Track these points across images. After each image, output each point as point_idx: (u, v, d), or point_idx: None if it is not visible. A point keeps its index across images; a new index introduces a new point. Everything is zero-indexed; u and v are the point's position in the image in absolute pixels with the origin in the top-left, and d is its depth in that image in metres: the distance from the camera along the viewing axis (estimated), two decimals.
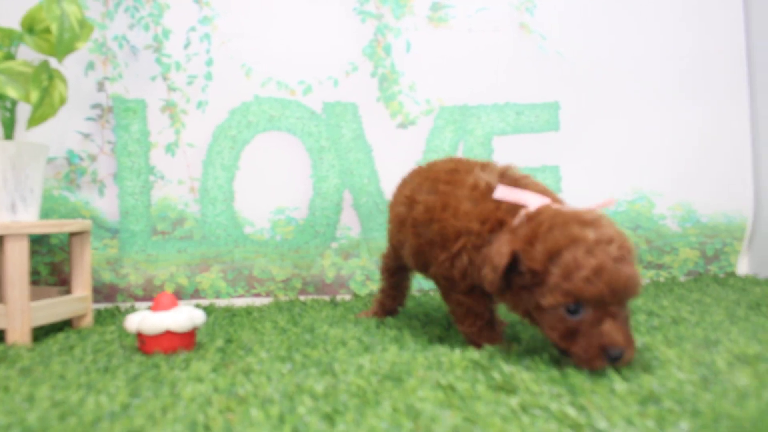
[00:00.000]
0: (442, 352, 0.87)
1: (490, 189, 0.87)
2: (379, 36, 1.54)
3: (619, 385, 0.68)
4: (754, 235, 1.65)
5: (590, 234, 0.72)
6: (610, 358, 0.71)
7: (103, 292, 1.46)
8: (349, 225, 1.53)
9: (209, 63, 1.50)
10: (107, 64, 1.47)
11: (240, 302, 1.50)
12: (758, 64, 1.64)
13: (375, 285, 1.53)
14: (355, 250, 1.53)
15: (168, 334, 1.00)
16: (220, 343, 1.05)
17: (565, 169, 1.58)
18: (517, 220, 0.82)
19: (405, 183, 1.08)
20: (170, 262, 1.48)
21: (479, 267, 0.84)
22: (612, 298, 0.71)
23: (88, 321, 1.29)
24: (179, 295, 1.48)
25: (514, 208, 0.84)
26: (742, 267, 1.66)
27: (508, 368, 0.75)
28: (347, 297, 1.52)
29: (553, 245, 0.73)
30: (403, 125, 1.54)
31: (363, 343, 1.00)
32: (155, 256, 1.48)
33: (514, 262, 0.77)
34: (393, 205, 1.09)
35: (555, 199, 0.88)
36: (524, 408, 0.64)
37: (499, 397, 0.67)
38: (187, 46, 1.50)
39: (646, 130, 1.61)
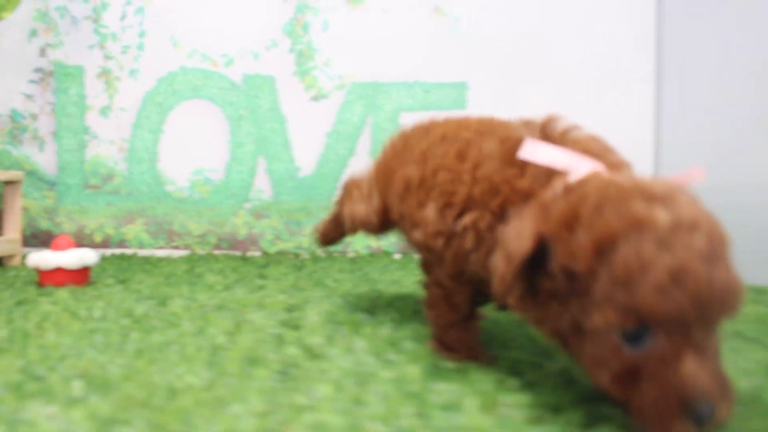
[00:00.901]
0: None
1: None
2: (299, 15, 1.66)
3: None
4: None
5: (663, 216, 0.45)
6: (695, 417, 0.43)
7: (40, 237, 1.65)
8: (262, 188, 1.67)
9: (142, 35, 1.65)
10: (49, 32, 1.63)
11: (160, 253, 1.67)
12: (666, 53, 1.68)
13: (284, 244, 1.67)
14: (266, 211, 1.67)
15: (60, 270, 1.17)
16: (109, 281, 1.23)
17: None
18: (550, 193, 0.54)
19: (412, 139, 0.79)
20: (100, 213, 1.66)
21: (487, 255, 0.58)
22: (699, 318, 0.43)
23: (17, 261, 1.48)
24: (107, 244, 1.66)
25: (549, 174, 0.56)
26: None
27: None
28: (257, 253, 1.67)
29: (603, 232, 0.45)
30: (316, 98, 1.66)
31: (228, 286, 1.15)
32: (87, 208, 1.66)
33: (541, 254, 0.49)
34: (390, 167, 0.80)
35: (617, 165, 0.60)
36: None
37: None
38: (122, 18, 1.65)
39: (553, 109, 1.68)
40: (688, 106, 1.60)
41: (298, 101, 1.66)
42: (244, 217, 1.67)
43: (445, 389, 0.62)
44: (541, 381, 0.64)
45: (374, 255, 1.65)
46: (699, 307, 0.43)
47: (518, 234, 0.50)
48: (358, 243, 1.66)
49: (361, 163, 1.65)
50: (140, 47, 1.65)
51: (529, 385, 0.62)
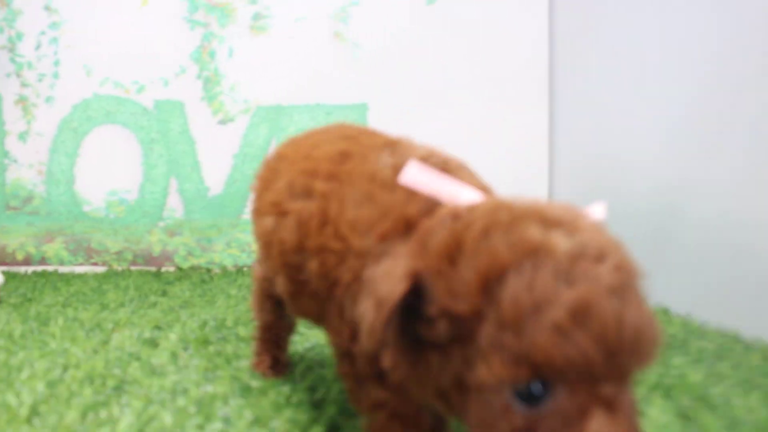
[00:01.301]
0: None
1: (396, 174, 0.49)
2: (206, 42, 1.76)
3: None
4: None
5: (563, 243, 0.36)
6: None
7: None
8: (174, 207, 1.77)
9: (56, 63, 1.74)
10: None
11: (80, 269, 1.77)
12: (558, 72, 1.80)
13: (195, 260, 1.78)
14: (178, 229, 1.78)
15: None
16: (16, 299, 1.33)
17: None
18: (433, 222, 0.44)
19: (270, 174, 0.67)
20: (21, 233, 1.75)
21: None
22: (608, 366, 0.34)
23: None
24: (29, 261, 1.76)
25: (432, 205, 0.46)
26: None
27: None
28: (171, 269, 1.77)
29: (490, 263, 0.37)
30: (223, 122, 1.77)
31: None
32: (8, 228, 1.75)
33: (416, 296, 0.40)
34: (257, 212, 0.68)
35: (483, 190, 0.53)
36: None
37: None
38: (37, 47, 1.74)
39: (449, 131, 1.80)
40: (579, 125, 1.72)
41: (206, 125, 1.76)
42: (158, 234, 1.78)
43: (246, 403, 0.73)
44: None
45: None
46: (607, 352, 0.34)
47: (389, 274, 0.40)
48: None
49: None
50: (55, 75, 1.75)
51: None
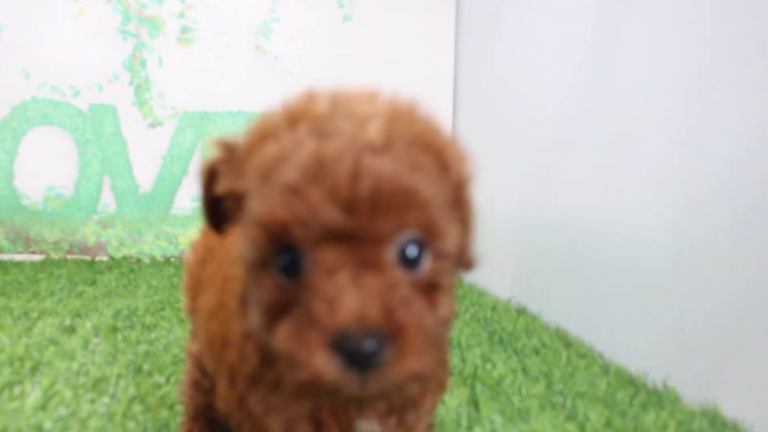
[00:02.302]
0: None
1: None
2: (137, 52, 1.92)
3: None
4: None
5: (324, 106, 0.36)
6: (344, 349, 0.31)
7: None
8: (107, 202, 1.95)
9: None
10: None
11: (20, 257, 1.93)
12: (462, 86, 2.01)
13: (127, 250, 1.96)
14: (111, 222, 1.95)
15: None
16: None
17: None
18: None
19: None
20: None
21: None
22: (350, 224, 0.32)
23: None
24: None
25: None
26: None
27: None
28: (105, 258, 1.95)
29: (257, 134, 0.37)
30: (152, 125, 1.94)
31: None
32: None
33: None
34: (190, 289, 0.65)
35: None
36: None
37: None
38: None
39: None
40: (478, 138, 1.92)
41: (137, 128, 1.93)
42: (93, 226, 1.95)
43: (133, 382, 0.93)
44: None
45: None
46: (342, 207, 0.32)
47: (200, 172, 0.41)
48: None
49: (193, 182, 1.95)
50: None
51: None
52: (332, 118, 0.34)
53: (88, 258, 1.93)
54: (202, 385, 0.68)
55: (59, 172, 1.92)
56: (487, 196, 1.57)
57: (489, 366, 1.02)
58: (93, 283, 1.63)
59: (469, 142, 1.40)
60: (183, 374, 0.74)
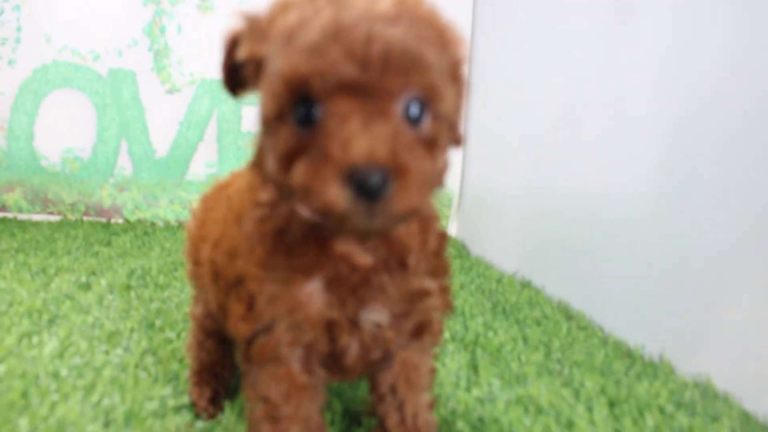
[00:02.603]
0: None
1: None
2: (157, 18, 1.94)
3: None
4: (460, 205, 2.08)
5: None
6: (355, 181, 0.36)
7: None
8: (124, 166, 1.98)
9: (19, 29, 1.92)
10: None
11: (38, 217, 1.98)
12: (476, 70, 2.01)
13: (142, 213, 1.99)
14: (128, 185, 1.99)
15: None
16: None
17: None
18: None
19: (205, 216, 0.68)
20: None
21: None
22: (363, 79, 0.37)
23: None
24: None
25: None
26: (452, 230, 2.09)
27: None
28: (120, 221, 1.99)
29: (280, 3, 0.42)
30: (170, 92, 1.97)
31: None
32: None
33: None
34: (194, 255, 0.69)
35: None
36: None
37: None
38: (1, 13, 1.91)
39: None
40: (490, 121, 1.93)
41: (155, 94, 1.96)
42: (109, 189, 1.99)
43: (145, 336, 0.97)
44: None
45: None
46: (357, 64, 0.36)
47: (224, 41, 0.47)
48: None
49: (208, 148, 1.98)
50: (17, 40, 1.92)
51: None
52: None
53: (103, 220, 1.97)
54: (206, 345, 0.75)
55: (78, 135, 1.96)
56: (499, 177, 1.59)
57: (491, 334, 1.04)
58: (108, 243, 1.67)
59: (479, 115, 1.42)
60: (189, 335, 0.79)
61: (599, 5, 1.25)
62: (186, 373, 0.83)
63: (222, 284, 0.55)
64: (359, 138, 0.36)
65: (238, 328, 0.51)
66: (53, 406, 0.72)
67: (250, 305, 0.49)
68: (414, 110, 0.39)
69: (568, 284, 1.31)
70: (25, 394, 0.74)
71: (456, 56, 0.43)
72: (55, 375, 0.81)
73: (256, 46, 0.42)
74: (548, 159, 1.45)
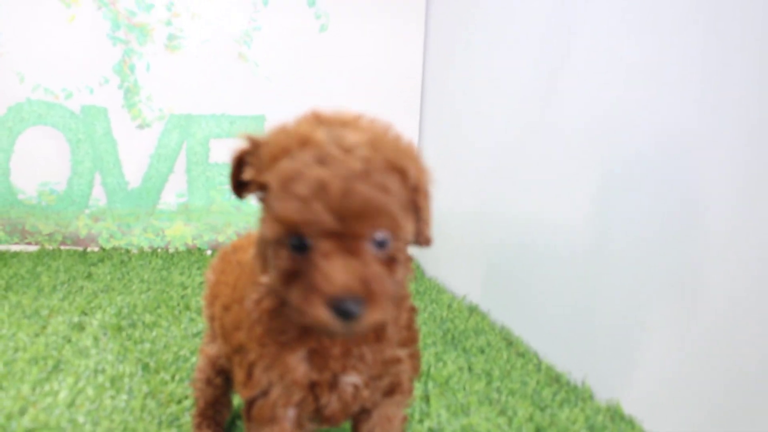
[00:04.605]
0: None
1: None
2: (126, 57, 2.06)
3: None
4: None
5: (323, 136, 0.51)
6: (335, 308, 0.49)
7: None
8: (98, 197, 2.10)
9: None
10: None
11: (15, 248, 2.08)
12: (428, 95, 2.18)
13: (117, 241, 2.12)
14: (102, 215, 2.11)
15: None
16: None
17: None
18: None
19: (225, 268, 0.80)
20: None
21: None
22: (343, 227, 0.49)
23: None
24: None
25: None
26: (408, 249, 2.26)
27: None
28: (96, 249, 2.11)
29: (277, 146, 0.52)
30: (141, 127, 2.09)
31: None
32: None
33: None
34: (210, 300, 0.82)
35: None
36: None
37: None
38: None
39: None
40: (443, 143, 2.10)
41: (126, 128, 2.08)
42: (85, 219, 2.11)
43: (144, 379, 1.12)
44: None
45: (190, 251, 2.12)
46: (338, 217, 0.48)
47: (233, 151, 0.57)
48: (177, 241, 2.14)
49: (178, 179, 2.11)
50: None
51: None
52: (329, 147, 0.50)
53: (80, 249, 2.09)
54: (214, 382, 0.86)
55: (53, 169, 2.07)
56: (449, 199, 1.75)
57: (440, 365, 1.22)
58: (89, 276, 1.80)
59: (432, 144, 1.58)
60: (196, 371, 0.90)
61: (543, 42, 1.41)
62: (186, 416, 0.99)
63: (227, 344, 0.70)
64: (339, 274, 0.49)
65: (240, 392, 0.64)
66: None
67: (250, 373, 0.62)
68: (380, 239, 0.51)
69: (509, 310, 1.49)
70: None
71: (417, 188, 0.55)
72: (74, 423, 0.96)
73: (258, 174, 0.54)
74: (495, 186, 1.59)
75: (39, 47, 2.02)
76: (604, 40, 1.17)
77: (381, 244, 0.52)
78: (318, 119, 0.54)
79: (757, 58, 0.84)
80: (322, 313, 0.49)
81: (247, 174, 0.55)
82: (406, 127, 2.06)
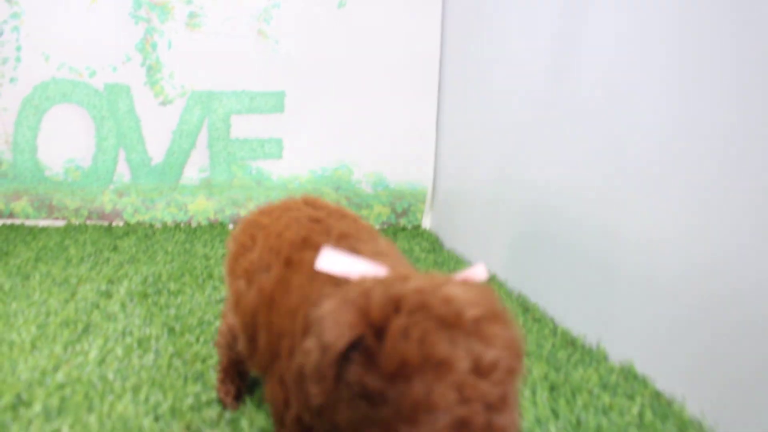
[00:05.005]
0: None
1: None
2: (148, 36, 2.10)
3: None
4: (433, 200, 2.28)
5: (463, 361, 0.44)
6: None
7: None
8: (123, 173, 2.15)
9: (18, 49, 2.06)
10: None
11: (43, 223, 2.14)
12: (446, 70, 2.19)
13: (141, 216, 2.17)
14: (126, 191, 2.16)
15: None
16: None
17: (286, 141, 2.19)
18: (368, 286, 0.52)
19: (247, 241, 0.78)
20: None
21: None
22: None
23: None
24: (0, 216, 2.13)
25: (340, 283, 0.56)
26: (426, 222, 2.29)
27: None
28: (121, 224, 2.16)
29: (404, 363, 0.44)
30: (163, 104, 2.13)
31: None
32: None
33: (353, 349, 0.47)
34: (232, 272, 0.80)
35: (390, 257, 0.67)
36: None
37: None
38: (0, 34, 2.05)
39: (353, 115, 2.20)
40: (461, 118, 2.12)
41: (149, 105, 2.12)
42: (110, 195, 2.16)
43: (170, 341, 1.16)
44: None
45: (212, 225, 2.17)
46: None
47: (336, 321, 0.47)
48: (200, 215, 2.18)
49: (200, 154, 2.15)
50: (18, 59, 2.06)
51: None
52: (467, 375, 0.44)
53: (105, 223, 2.14)
54: (235, 347, 0.88)
55: (78, 146, 2.12)
56: (467, 175, 1.77)
57: None
58: (115, 249, 1.84)
59: (450, 120, 1.60)
60: (218, 334, 0.95)
61: (558, 20, 1.42)
62: (210, 373, 1.03)
63: (262, 357, 0.68)
64: None
65: (269, 400, 0.65)
66: (112, 405, 0.91)
67: (287, 403, 0.61)
68: None
69: (526, 278, 1.52)
70: (87, 396, 0.94)
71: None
72: (105, 379, 1.00)
73: (372, 379, 0.46)
74: (511, 162, 1.62)
75: (63, 27, 2.06)
76: (616, 21, 1.17)
77: None
78: (442, 321, 0.46)
79: None
80: None
81: (356, 375, 0.47)
82: (423, 102, 2.09)
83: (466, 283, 0.50)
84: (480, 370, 0.44)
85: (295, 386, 0.58)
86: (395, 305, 0.47)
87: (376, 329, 0.46)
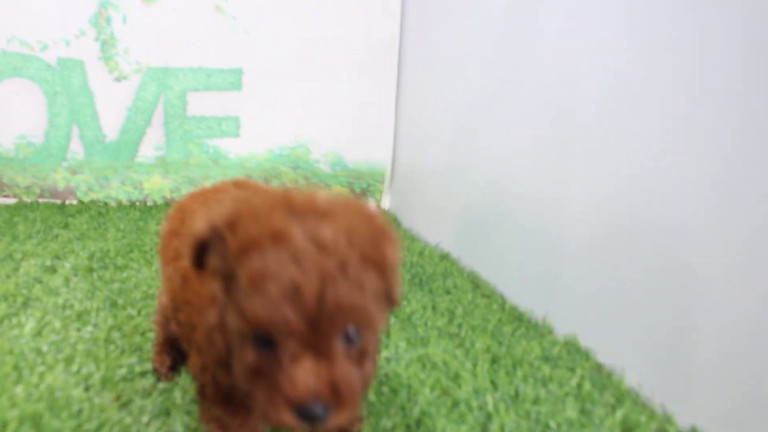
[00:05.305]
0: None
1: None
2: (102, 9, 2.05)
3: None
4: (392, 180, 2.27)
5: (298, 232, 0.47)
6: (301, 414, 0.46)
7: None
8: (76, 150, 2.10)
9: None
10: None
11: None
12: (406, 49, 2.18)
13: (95, 194, 2.12)
14: (80, 168, 2.11)
15: None
16: None
17: (243, 119, 2.16)
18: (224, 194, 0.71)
19: (178, 224, 0.79)
20: None
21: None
22: (313, 329, 0.46)
23: None
24: None
25: None
26: (385, 203, 2.28)
27: None
28: (74, 202, 2.12)
29: (246, 238, 0.48)
30: (118, 79, 2.08)
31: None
32: None
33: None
34: (165, 255, 0.79)
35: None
36: None
37: None
38: None
39: (312, 94, 2.17)
40: (421, 98, 2.10)
41: (103, 81, 2.08)
42: (63, 173, 2.11)
43: (110, 314, 1.14)
44: None
45: (168, 204, 2.13)
46: (308, 320, 0.45)
47: (201, 220, 0.52)
48: (155, 194, 2.14)
49: (156, 132, 2.11)
50: None
51: None
52: (304, 244, 0.46)
53: (58, 202, 2.10)
54: (168, 325, 0.87)
55: (30, 121, 2.07)
56: (425, 155, 1.77)
57: (405, 303, 1.24)
58: (66, 226, 1.80)
59: (409, 101, 1.59)
60: (155, 312, 0.96)
61: (514, 5, 1.42)
62: (148, 345, 1.01)
63: (184, 332, 0.69)
64: (305, 378, 0.46)
65: (191, 372, 0.66)
66: (41, 376, 0.89)
67: (204, 369, 0.63)
68: (351, 335, 0.48)
69: (479, 256, 1.52)
70: (16, 367, 0.91)
71: (391, 272, 0.51)
72: (38, 350, 0.98)
73: (223, 263, 0.50)
74: (469, 143, 1.62)
75: (16, 0, 2.01)
76: (572, 7, 1.17)
77: (352, 339, 0.49)
78: (291, 208, 0.48)
79: None
80: (286, 417, 0.47)
81: (212, 261, 0.51)
82: (383, 82, 2.07)
83: (340, 196, 0.52)
84: (317, 242, 0.46)
85: (206, 343, 0.59)
86: (256, 206, 0.49)
87: (233, 223, 0.49)
